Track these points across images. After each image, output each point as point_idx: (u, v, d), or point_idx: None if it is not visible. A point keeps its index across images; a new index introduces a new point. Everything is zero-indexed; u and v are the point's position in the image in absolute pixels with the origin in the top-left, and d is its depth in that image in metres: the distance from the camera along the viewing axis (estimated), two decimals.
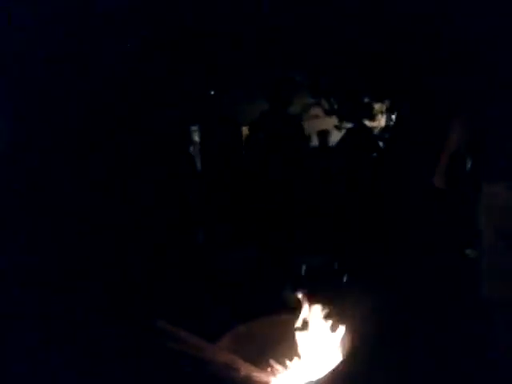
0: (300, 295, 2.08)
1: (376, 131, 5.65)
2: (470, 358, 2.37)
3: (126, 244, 3.38)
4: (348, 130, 4.92)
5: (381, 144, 5.16)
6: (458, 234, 3.77)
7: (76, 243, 3.16)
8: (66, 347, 2.46)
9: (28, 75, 3.23)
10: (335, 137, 5.67)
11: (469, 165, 4.83)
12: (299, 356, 2.02)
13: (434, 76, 4.94)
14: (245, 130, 5.33)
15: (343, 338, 1.92)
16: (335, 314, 2.03)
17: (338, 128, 5.60)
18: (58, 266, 3.01)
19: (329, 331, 1.99)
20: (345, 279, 3.33)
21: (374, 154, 4.87)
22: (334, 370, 1.83)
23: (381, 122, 5.72)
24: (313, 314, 2.05)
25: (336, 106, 5.63)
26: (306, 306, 2.06)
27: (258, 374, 1.89)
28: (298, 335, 2.03)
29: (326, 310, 2.04)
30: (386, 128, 5.41)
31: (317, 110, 5.93)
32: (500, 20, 2.00)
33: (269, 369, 1.97)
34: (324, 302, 2.05)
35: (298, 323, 2.04)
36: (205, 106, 4.90)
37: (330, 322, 2.00)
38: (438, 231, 3.82)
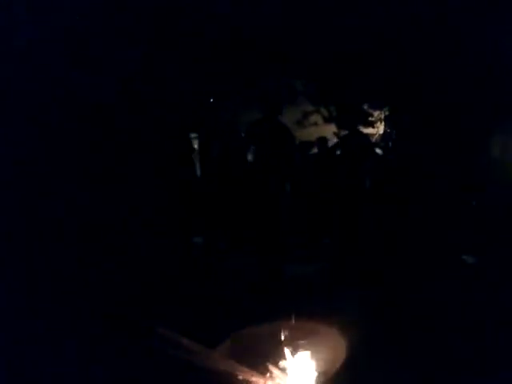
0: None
1: (375, 138, 5.71)
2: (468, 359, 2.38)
3: (127, 249, 3.41)
4: (343, 136, 4.93)
5: (379, 151, 5.20)
6: (456, 240, 3.81)
7: (77, 247, 3.19)
8: (67, 353, 2.47)
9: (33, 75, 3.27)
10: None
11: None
12: (296, 361, 2.04)
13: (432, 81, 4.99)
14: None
15: (340, 342, 1.95)
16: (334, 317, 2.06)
17: (336, 135, 5.65)
18: (60, 269, 3.03)
19: (326, 335, 2.02)
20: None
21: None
22: (331, 374, 1.86)
23: (379, 129, 5.77)
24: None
25: (335, 114, 5.69)
26: None
27: (256, 379, 1.92)
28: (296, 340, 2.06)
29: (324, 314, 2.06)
30: (384, 134, 5.45)
31: (316, 117, 6.00)
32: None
33: (267, 374, 2.00)
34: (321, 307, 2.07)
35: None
36: (204, 113, 4.95)
37: (327, 326, 2.03)
38: (437, 236, 3.86)
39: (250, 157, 4.45)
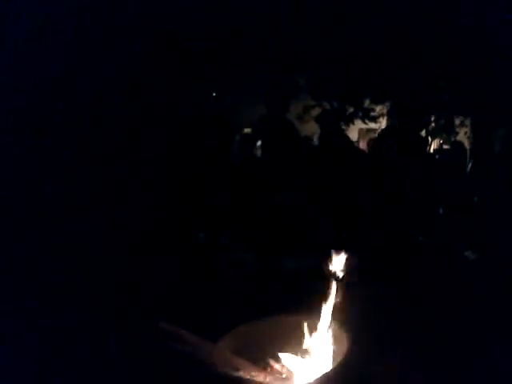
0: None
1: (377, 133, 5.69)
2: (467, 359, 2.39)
3: (128, 244, 3.41)
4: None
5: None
6: (458, 236, 3.80)
7: (78, 242, 3.19)
8: (67, 348, 2.47)
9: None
10: None
11: (469, 167, 4.88)
12: (299, 356, 2.04)
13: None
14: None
15: (342, 338, 1.94)
16: (335, 314, 2.05)
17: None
18: (60, 266, 3.03)
19: (328, 332, 2.01)
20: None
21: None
22: (333, 370, 1.85)
23: (382, 124, 5.76)
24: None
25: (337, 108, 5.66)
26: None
27: (257, 374, 1.91)
28: (298, 335, 2.05)
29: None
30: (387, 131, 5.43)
31: (317, 112, 5.96)
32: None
33: (268, 368, 1.99)
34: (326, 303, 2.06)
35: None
36: (206, 108, 4.93)
37: (329, 322, 2.03)
38: (437, 231, 3.86)
39: (255, 153, 4.46)
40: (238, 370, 1.89)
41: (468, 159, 5.57)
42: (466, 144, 6.14)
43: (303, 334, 2.05)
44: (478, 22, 4.59)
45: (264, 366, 1.98)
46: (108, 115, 3.71)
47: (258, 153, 4.60)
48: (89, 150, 3.54)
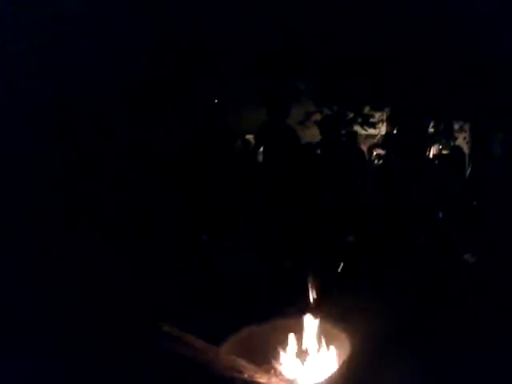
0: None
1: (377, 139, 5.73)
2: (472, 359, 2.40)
3: (130, 246, 3.42)
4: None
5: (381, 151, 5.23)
6: (457, 239, 3.82)
7: (79, 241, 3.20)
8: (68, 349, 2.48)
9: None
10: None
11: (468, 171, 4.91)
12: (301, 358, 2.06)
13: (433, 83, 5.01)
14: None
15: (344, 341, 1.97)
16: (337, 316, 2.08)
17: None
18: (61, 264, 3.04)
19: (331, 333, 2.04)
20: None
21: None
22: (335, 372, 1.88)
23: (381, 130, 5.78)
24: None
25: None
26: None
27: (261, 376, 1.93)
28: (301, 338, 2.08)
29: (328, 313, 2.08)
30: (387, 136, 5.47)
31: (318, 118, 5.99)
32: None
33: (272, 371, 2.01)
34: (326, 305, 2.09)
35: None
36: (208, 115, 4.96)
37: (331, 324, 2.05)
38: (439, 235, 3.88)
39: (258, 158, 4.50)
40: (241, 372, 1.91)
41: (467, 164, 5.59)
42: (465, 149, 6.16)
43: (306, 336, 2.08)
44: (476, 25, 4.63)
45: (267, 369, 2.00)
46: (109, 117, 3.73)
47: (260, 157, 4.63)
48: (90, 149, 3.56)
